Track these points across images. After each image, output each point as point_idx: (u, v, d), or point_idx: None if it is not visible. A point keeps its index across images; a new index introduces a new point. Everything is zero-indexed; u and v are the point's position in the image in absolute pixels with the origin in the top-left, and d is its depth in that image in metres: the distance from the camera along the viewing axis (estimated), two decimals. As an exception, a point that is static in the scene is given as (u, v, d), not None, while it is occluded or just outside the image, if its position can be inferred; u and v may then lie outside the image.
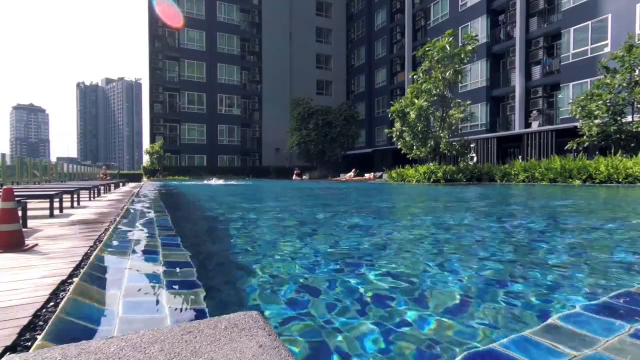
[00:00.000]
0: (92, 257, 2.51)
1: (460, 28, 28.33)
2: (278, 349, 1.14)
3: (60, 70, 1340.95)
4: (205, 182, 25.93)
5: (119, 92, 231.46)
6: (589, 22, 20.82)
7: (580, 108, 17.42)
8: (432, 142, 20.95)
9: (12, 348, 1.30)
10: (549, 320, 1.79)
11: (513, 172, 18.88)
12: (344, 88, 46.84)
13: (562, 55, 22.38)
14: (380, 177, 27.89)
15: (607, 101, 16.62)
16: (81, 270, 2.23)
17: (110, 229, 3.86)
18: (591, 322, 1.76)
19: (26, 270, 2.26)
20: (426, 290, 2.38)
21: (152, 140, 37.77)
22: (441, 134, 20.85)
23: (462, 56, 19.90)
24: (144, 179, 35.08)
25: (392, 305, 2.09)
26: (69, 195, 6.82)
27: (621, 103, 16.62)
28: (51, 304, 1.71)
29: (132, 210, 6.21)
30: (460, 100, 21.75)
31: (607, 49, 19.62)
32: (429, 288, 2.42)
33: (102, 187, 10.46)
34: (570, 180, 16.28)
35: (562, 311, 1.94)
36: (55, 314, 1.56)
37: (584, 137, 17.53)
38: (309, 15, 44.75)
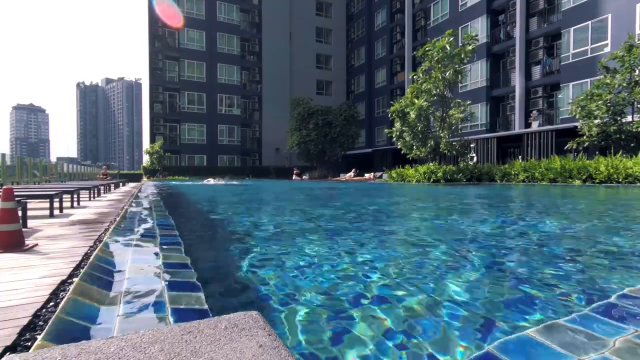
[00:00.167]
0: (92, 257, 2.51)
1: (460, 28, 28.32)
2: (278, 349, 1.14)
3: (60, 70, 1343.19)
4: (205, 182, 25.92)
5: (119, 92, 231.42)
6: (589, 22, 20.82)
7: (580, 108, 17.43)
8: (432, 142, 20.96)
9: (12, 348, 1.30)
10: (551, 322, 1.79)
11: (513, 172, 18.88)
12: (344, 88, 46.83)
13: (562, 55, 22.38)
14: (380, 177, 27.89)
15: (607, 101, 16.63)
16: (81, 270, 2.23)
17: (110, 229, 3.86)
18: (595, 324, 1.75)
19: (26, 270, 2.26)
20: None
21: (152, 140, 37.77)
22: (441, 134, 20.85)
23: (462, 56, 19.92)
24: (144, 179, 35.08)
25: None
26: (69, 195, 6.82)
27: (621, 103, 16.63)
28: (51, 304, 1.71)
29: (132, 211, 6.21)
30: (460, 100, 21.76)
31: (607, 49, 19.62)
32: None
33: (102, 187, 10.46)
34: (570, 180, 16.28)
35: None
36: (55, 314, 1.56)
37: (584, 137, 17.54)
38: (309, 15, 44.75)
